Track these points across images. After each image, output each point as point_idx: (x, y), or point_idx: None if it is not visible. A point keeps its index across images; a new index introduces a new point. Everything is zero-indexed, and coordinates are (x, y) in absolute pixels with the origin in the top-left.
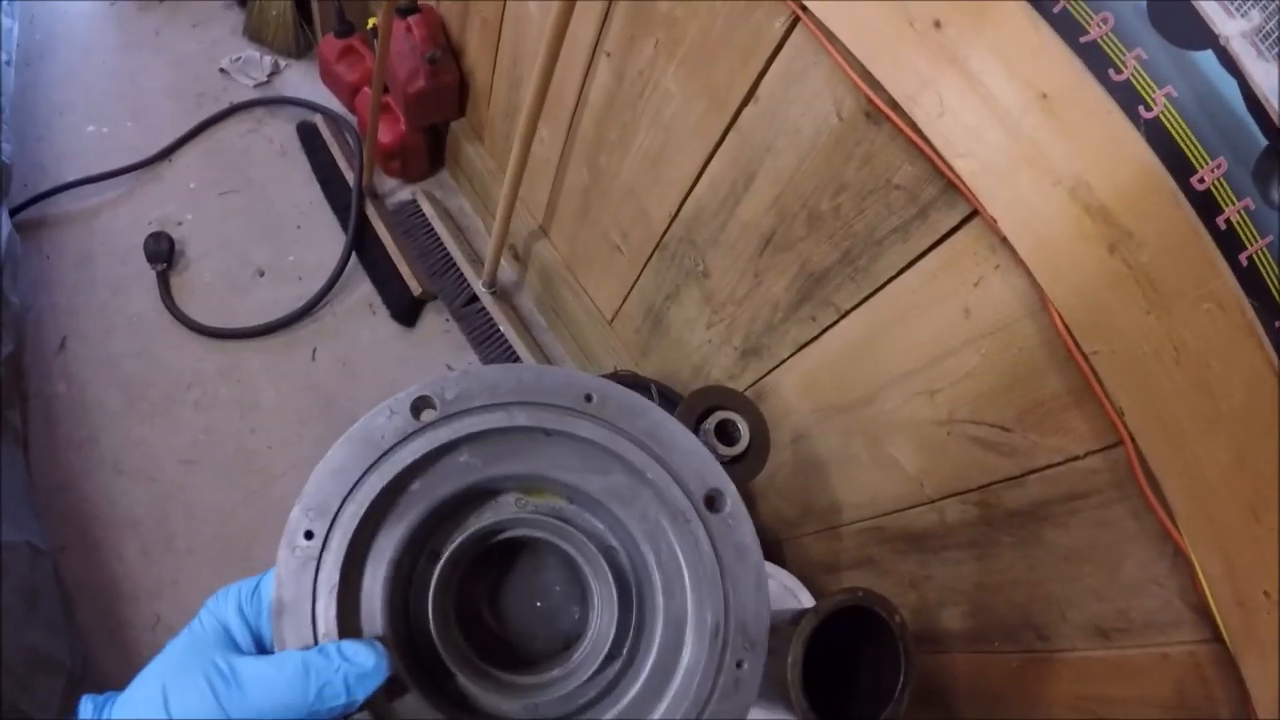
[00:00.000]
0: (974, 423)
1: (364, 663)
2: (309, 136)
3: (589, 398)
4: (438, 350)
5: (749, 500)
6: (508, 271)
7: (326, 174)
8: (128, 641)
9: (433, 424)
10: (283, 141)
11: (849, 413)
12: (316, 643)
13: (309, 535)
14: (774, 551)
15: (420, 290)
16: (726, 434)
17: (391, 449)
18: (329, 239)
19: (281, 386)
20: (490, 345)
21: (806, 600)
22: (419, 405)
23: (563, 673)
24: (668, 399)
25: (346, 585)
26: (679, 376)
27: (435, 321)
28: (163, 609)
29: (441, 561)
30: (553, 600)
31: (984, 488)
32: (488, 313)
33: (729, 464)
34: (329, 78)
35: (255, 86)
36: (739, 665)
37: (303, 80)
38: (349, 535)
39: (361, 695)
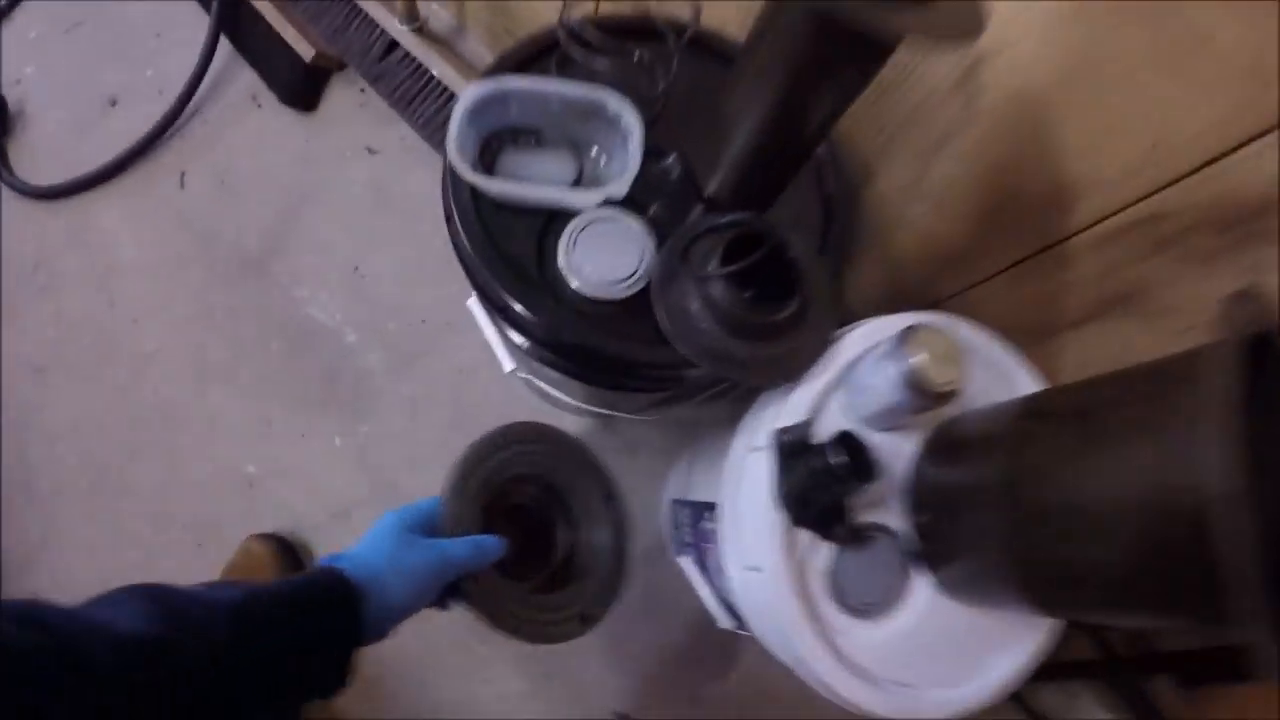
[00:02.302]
0: None
1: (496, 543)
2: None
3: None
4: (350, 132)
5: (850, 203)
6: (439, 14)
7: None
8: None
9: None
10: None
11: None
12: None
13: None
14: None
15: (314, 55)
16: None
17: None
18: (195, 38)
19: (143, 235)
20: (424, 101)
21: (1028, 383)
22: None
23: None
24: None
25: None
26: None
27: (344, 96)
28: (39, 583)
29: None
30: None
31: None
32: (414, 59)
33: None
34: None
35: None
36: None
37: None
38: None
39: (493, 555)
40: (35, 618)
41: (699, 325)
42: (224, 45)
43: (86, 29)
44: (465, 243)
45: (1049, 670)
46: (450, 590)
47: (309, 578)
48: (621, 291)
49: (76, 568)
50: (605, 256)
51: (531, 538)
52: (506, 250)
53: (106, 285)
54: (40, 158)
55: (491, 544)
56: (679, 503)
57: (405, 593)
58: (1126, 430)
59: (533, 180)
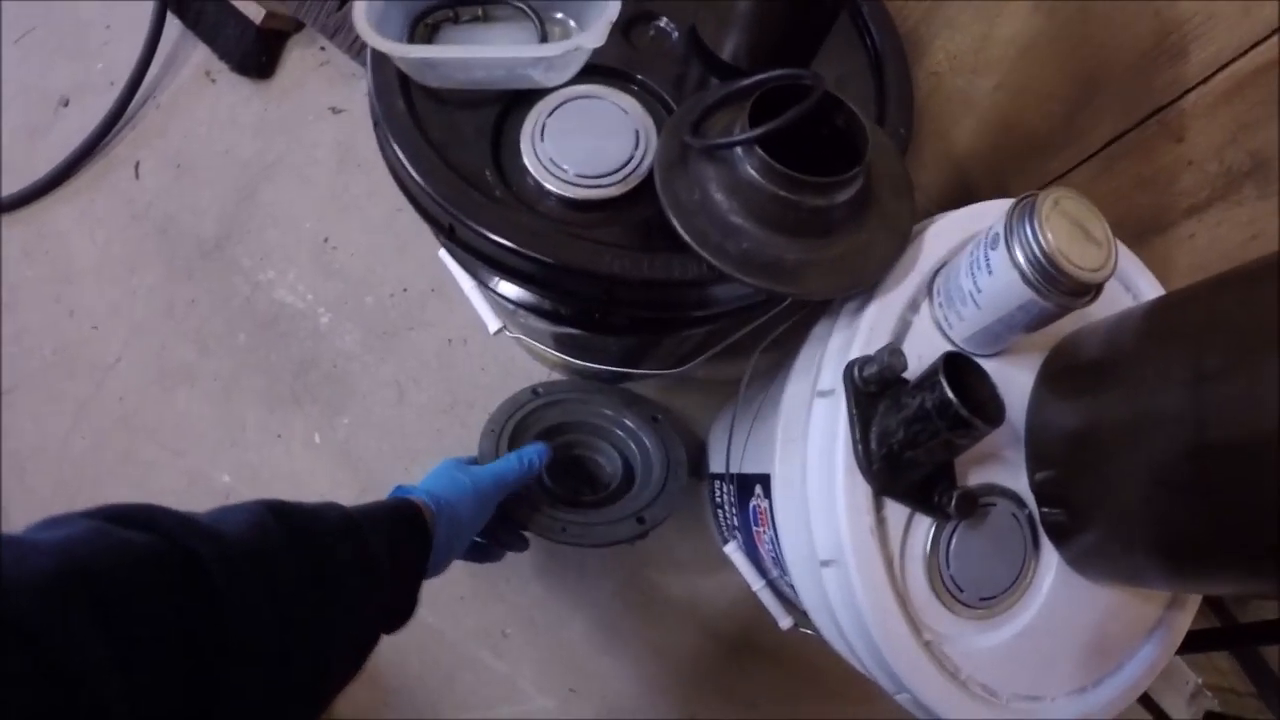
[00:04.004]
0: None
1: (539, 448)
2: None
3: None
4: (310, 94)
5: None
6: None
7: None
8: None
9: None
10: None
11: None
12: None
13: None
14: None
15: (264, 16)
16: None
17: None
18: (146, 23)
19: (98, 235)
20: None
21: (1148, 285)
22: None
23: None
24: None
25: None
26: None
27: (303, 57)
28: None
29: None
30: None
31: None
32: None
33: None
34: None
35: None
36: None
37: None
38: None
39: (539, 463)
40: (149, 521)
41: (727, 220)
42: (173, 25)
43: (36, 34)
44: (398, 155)
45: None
46: (499, 523)
47: (393, 503)
48: (613, 187)
49: None
50: (586, 143)
51: (579, 474)
52: (455, 158)
53: (63, 296)
54: None
55: (533, 451)
56: (720, 478)
57: (467, 512)
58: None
59: (483, 52)
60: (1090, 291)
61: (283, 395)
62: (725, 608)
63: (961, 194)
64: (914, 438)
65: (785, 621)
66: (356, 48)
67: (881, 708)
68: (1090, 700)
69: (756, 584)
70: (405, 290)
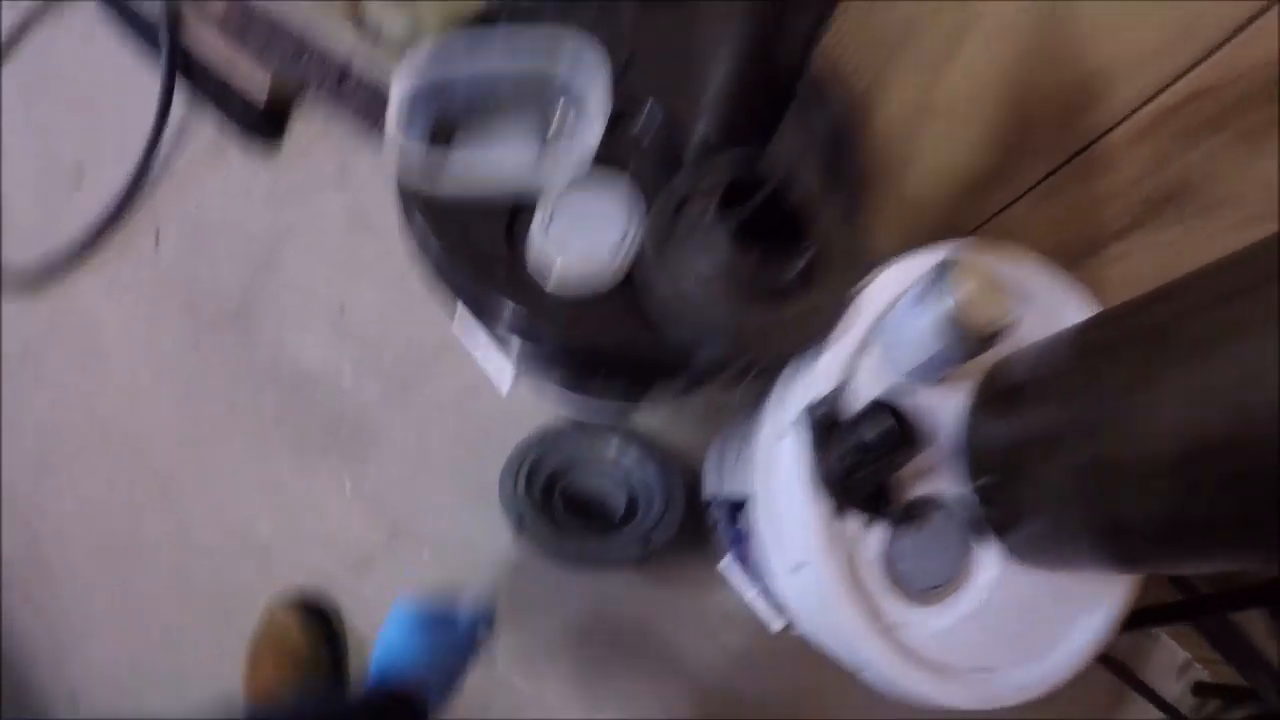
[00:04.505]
0: None
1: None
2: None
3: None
4: (318, 164)
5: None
6: (392, 21)
7: (136, 28)
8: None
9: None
10: (84, 27)
11: None
12: None
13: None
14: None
15: (270, 91)
16: None
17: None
18: (155, 98)
19: (124, 303)
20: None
21: (1073, 307)
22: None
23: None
24: None
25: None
26: None
27: (307, 129)
28: (73, 679)
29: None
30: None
31: None
32: (372, 81)
33: None
34: None
35: None
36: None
37: None
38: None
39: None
40: None
41: (700, 297)
42: (182, 97)
43: (46, 110)
44: (423, 244)
45: (1128, 619)
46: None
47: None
48: (606, 273)
49: (109, 655)
50: (584, 232)
51: (588, 506)
52: (472, 247)
53: (93, 366)
54: (18, 243)
55: (482, 618)
56: (713, 500)
57: (449, 680)
58: (1203, 344)
59: (491, 164)
60: (999, 337)
61: (312, 448)
62: (728, 618)
63: (915, 236)
64: (858, 462)
65: (777, 624)
66: (360, 119)
67: (881, 709)
68: (1040, 669)
69: (749, 593)
70: (419, 346)
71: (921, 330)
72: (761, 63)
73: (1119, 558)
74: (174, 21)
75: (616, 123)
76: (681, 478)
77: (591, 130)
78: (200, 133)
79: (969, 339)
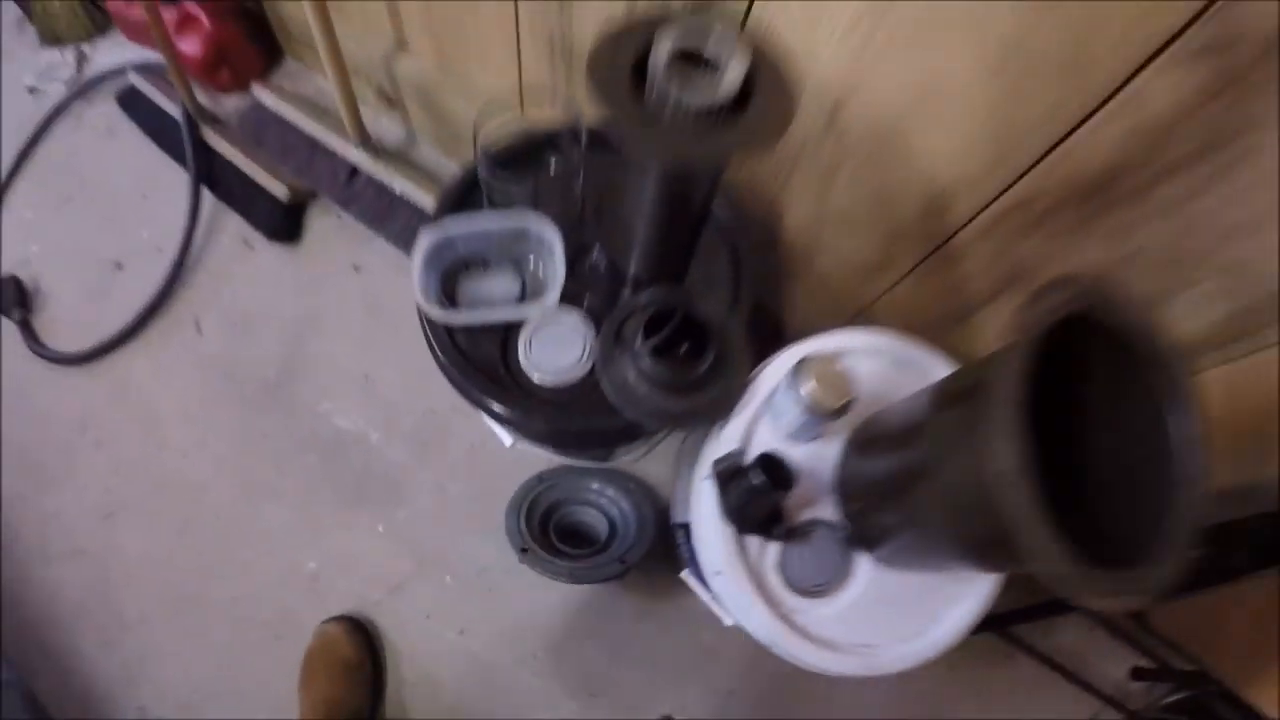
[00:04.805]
0: None
1: None
2: (130, 101)
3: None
4: (335, 255)
5: (772, 240)
6: (389, 128)
7: (157, 127)
8: None
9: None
10: (108, 122)
11: None
12: None
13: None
14: (856, 325)
15: (289, 194)
16: (689, 73)
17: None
18: (181, 195)
19: (174, 381)
20: (393, 218)
21: (941, 370)
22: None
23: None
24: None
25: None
26: None
27: (323, 224)
28: (143, 698)
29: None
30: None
31: (1208, 9)
32: (376, 181)
33: (714, 114)
34: (130, 29)
35: (68, 85)
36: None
37: (112, 52)
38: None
39: None
40: None
41: (637, 392)
42: (207, 196)
43: (78, 203)
44: (443, 361)
45: (1028, 612)
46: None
47: None
48: (572, 377)
49: (174, 677)
50: (555, 350)
51: (576, 534)
52: (477, 360)
53: (152, 431)
54: (65, 328)
55: None
56: (676, 524)
57: None
58: (958, 429)
59: (487, 300)
60: (843, 413)
61: (349, 498)
62: (698, 618)
63: (831, 305)
64: (748, 500)
65: (727, 620)
66: (368, 216)
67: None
68: (917, 645)
69: (704, 597)
70: (434, 411)
71: (792, 408)
72: (671, 225)
73: (952, 564)
74: (194, 128)
75: (574, 263)
76: (653, 507)
77: (553, 289)
78: (228, 229)
79: (821, 416)
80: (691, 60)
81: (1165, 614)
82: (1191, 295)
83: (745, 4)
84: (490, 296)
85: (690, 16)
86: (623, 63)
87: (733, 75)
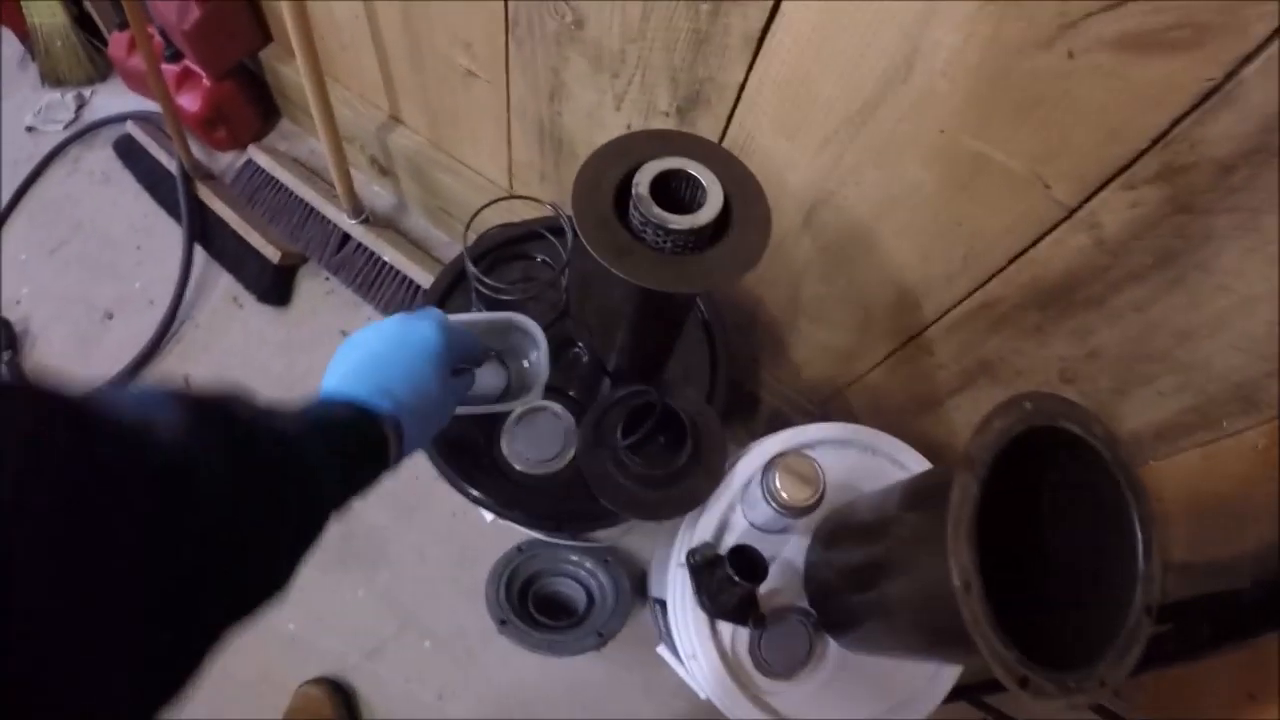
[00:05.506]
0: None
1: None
2: (126, 150)
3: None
4: (324, 320)
5: (751, 323)
6: (380, 194)
7: (152, 178)
8: None
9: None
10: (103, 168)
11: (876, 117)
12: None
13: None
14: (830, 407)
15: (280, 257)
16: (675, 194)
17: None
18: (173, 247)
19: None
20: (382, 286)
21: (915, 462)
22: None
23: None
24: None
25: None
26: None
27: (313, 287)
28: None
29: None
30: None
31: (1162, 138)
32: (366, 249)
33: (690, 245)
34: (130, 78)
35: (66, 128)
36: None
37: (112, 98)
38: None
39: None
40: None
41: (616, 483)
42: (200, 253)
43: (72, 247)
44: (430, 449)
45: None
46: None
47: (359, 430)
48: (553, 468)
49: None
50: (537, 441)
51: (554, 605)
52: (460, 447)
53: None
54: (52, 373)
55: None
56: (653, 598)
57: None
58: (922, 531)
59: (474, 391)
60: (810, 510)
61: (331, 560)
62: (674, 689)
63: (807, 388)
64: (722, 589)
65: (703, 694)
66: (357, 283)
67: None
68: None
69: (680, 671)
70: (417, 478)
71: (763, 503)
72: (649, 331)
73: (916, 655)
74: (190, 184)
75: (558, 354)
76: (629, 580)
77: (538, 387)
78: (219, 285)
79: (788, 512)
80: (675, 180)
81: (1135, 683)
82: (1149, 391)
83: (726, 114)
84: (476, 388)
85: (671, 139)
86: (606, 188)
87: (710, 207)
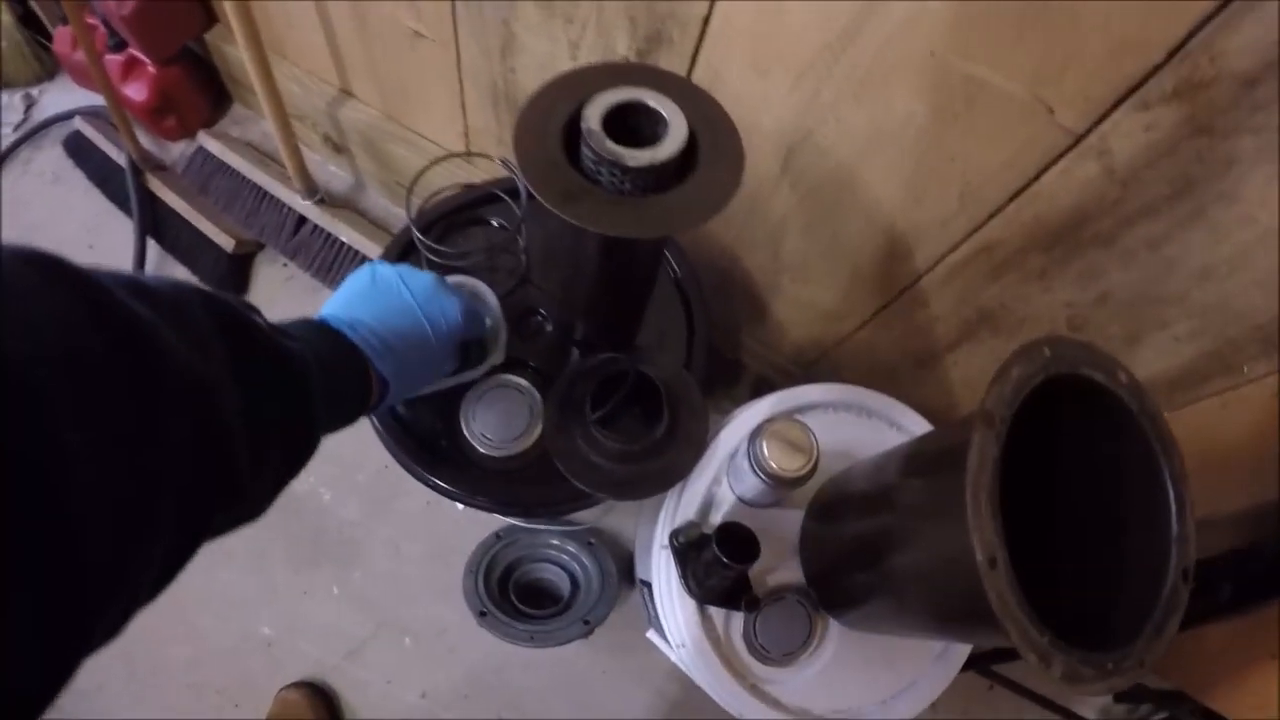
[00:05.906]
0: None
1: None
2: (76, 147)
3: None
4: (283, 307)
5: (729, 284)
6: (338, 175)
7: (103, 174)
8: None
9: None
10: (54, 168)
11: (856, 43)
12: None
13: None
14: (818, 370)
15: (235, 245)
16: (634, 131)
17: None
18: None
19: None
20: (341, 268)
21: (914, 424)
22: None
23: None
24: None
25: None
26: None
27: (270, 274)
28: None
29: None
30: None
31: (1179, 50)
32: (323, 231)
33: (652, 185)
34: (77, 73)
35: (15, 129)
36: None
37: (61, 96)
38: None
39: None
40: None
41: (589, 461)
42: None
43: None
44: (381, 433)
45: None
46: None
47: (344, 361)
48: (519, 448)
49: None
50: (500, 419)
51: (537, 593)
52: (417, 432)
53: None
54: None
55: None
56: (640, 580)
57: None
58: (931, 499)
59: None
60: (803, 481)
61: (304, 559)
62: (664, 673)
63: (794, 350)
64: (710, 572)
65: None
66: (315, 266)
67: None
68: (891, 708)
69: (672, 656)
70: (387, 467)
71: (751, 474)
72: (615, 287)
73: (927, 635)
74: (140, 177)
75: (519, 325)
76: (615, 563)
77: (498, 349)
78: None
79: (777, 484)
80: (632, 114)
81: None
82: (1164, 336)
83: (691, 52)
84: None
85: (627, 71)
86: (553, 128)
87: (672, 141)
